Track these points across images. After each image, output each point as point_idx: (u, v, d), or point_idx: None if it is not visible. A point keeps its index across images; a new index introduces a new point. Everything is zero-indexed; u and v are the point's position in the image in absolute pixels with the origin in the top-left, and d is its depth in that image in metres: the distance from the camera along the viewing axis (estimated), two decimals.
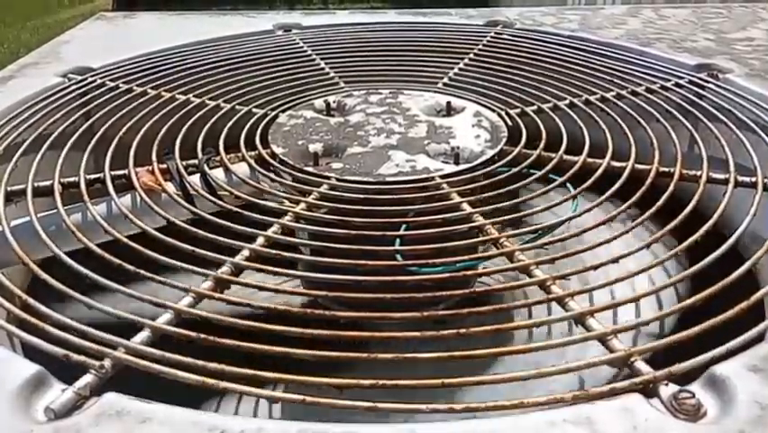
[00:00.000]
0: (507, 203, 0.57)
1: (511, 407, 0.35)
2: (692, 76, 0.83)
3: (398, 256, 0.50)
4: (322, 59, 0.93)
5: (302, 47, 0.98)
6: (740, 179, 0.58)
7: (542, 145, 0.66)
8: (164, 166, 0.63)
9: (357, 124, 0.72)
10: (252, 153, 0.67)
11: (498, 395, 0.37)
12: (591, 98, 0.78)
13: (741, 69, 0.85)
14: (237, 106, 0.78)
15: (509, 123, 0.72)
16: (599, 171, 0.60)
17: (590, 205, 0.56)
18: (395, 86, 0.83)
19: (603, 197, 0.56)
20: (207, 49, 0.96)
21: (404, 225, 0.54)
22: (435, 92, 0.81)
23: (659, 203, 0.55)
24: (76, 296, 0.44)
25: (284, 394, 0.37)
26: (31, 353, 0.40)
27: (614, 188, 0.57)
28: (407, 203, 0.57)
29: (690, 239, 0.50)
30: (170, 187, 0.60)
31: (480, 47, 0.96)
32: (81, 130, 0.71)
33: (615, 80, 0.82)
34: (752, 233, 0.51)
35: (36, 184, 0.60)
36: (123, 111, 0.76)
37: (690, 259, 0.48)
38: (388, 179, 0.60)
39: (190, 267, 0.47)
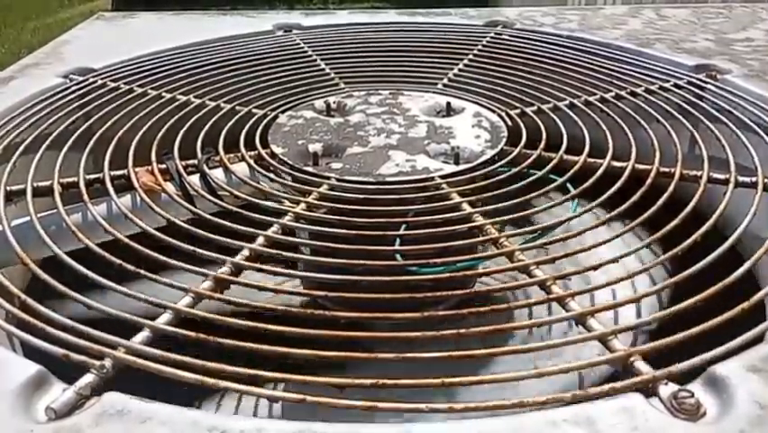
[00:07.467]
0: (508, 203, 0.57)
1: (511, 407, 0.35)
2: (691, 77, 0.83)
3: (398, 256, 0.50)
4: (322, 59, 0.93)
5: (302, 47, 0.98)
6: (740, 179, 0.58)
7: (542, 145, 0.66)
8: (164, 166, 0.63)
9: (357, 125, 0.72)
10: (252, 153, 0.67)
11: (498, 395, 0.37)
12: (591, 99, 0.78)
13: (740, 69, 0.85)
14: (237, 107, 0.78)
15: (509, 123, 0.72)
16: (600, 171, 0.60)
17: (590, 205, 0.56)
18: (395, 86, 0.83)
19: (603, 196, 0.56)
20: (207, 49, 0.96)
21: (404, 225, 0.54)
22: (435, 92, 0.81)
23: (659, 202, 0.55)
24: (75, 296, 0.44)
25: (284, 394, 0.37)
26: (31, 353, 0.40)
27: (614, 188, 0.57)
28: (407, 203, 0.57)
29: (691, 239, 0.50)
30: (170, 187, 0.60)
31: (480, 47, 0.96)
32: (81, 130, 0.71)
33: (614, 81, 0.82)
34: (752, 233, 0.51)
35: (36, 184, 0.60)
36: (124, 111, 0.76)
37: (691, 259, 0.48)
38: (388, 179, 0.60)
39: (190, 267, 0.47)
